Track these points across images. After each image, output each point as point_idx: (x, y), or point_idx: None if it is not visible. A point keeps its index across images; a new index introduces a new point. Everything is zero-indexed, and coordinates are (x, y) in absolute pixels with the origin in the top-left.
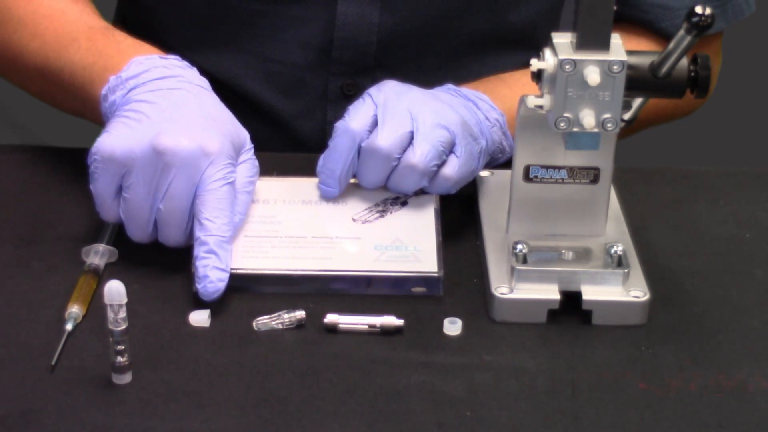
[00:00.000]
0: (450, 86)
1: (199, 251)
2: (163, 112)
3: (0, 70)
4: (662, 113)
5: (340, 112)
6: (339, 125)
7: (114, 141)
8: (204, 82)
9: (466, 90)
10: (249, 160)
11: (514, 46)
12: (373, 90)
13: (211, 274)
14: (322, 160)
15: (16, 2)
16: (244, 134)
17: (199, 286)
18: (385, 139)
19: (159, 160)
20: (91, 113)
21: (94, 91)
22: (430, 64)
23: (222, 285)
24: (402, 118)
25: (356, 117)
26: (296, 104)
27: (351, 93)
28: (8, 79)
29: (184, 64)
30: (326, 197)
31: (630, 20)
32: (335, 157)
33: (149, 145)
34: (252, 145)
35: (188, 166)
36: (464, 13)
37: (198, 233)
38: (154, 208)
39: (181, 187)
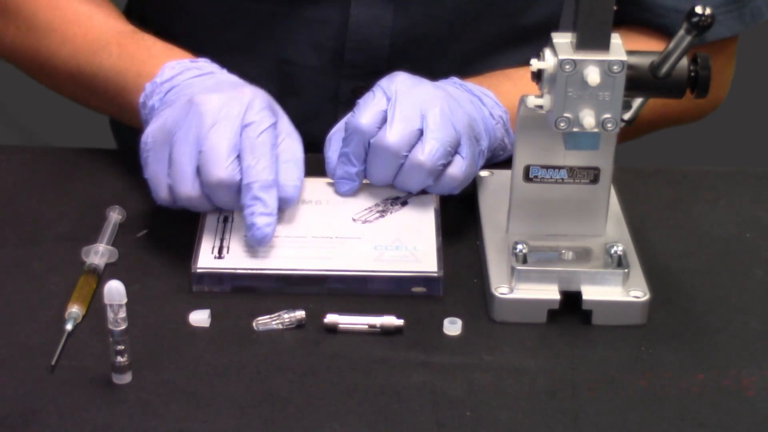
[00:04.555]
0: (455, 80)
1: (245, 199)
2: (198, 87)
3: (31, 74)
4: (668, 117)
5: None
6: (350, 122)
7: (158, 120)
8: (237, 78)
9: (471, 85)
10: (293, 132)
11: (524, 47)
12: (384, 82)
13: (258, 221)
14: (337, 161)
15: (41, 8)
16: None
17: (248, 234)
18: (394, 136)
19: (196, 111)
20: (130, 119)
21: (130, 97)
22: (441, 68)
23: (269, 230)
24: (412, 114)
25: (366, 113)
26: (307, 106)
27: (361, 96)
28: (40, 82)
29: (216, 66)
30: (345, 194)
31: (645, 24)
32: (351, 155)
33: (186, 103)
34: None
35: (224, 112)
36: (477, 17)
37: (242, 181)
38: (196, 154)
39: (221, 129)
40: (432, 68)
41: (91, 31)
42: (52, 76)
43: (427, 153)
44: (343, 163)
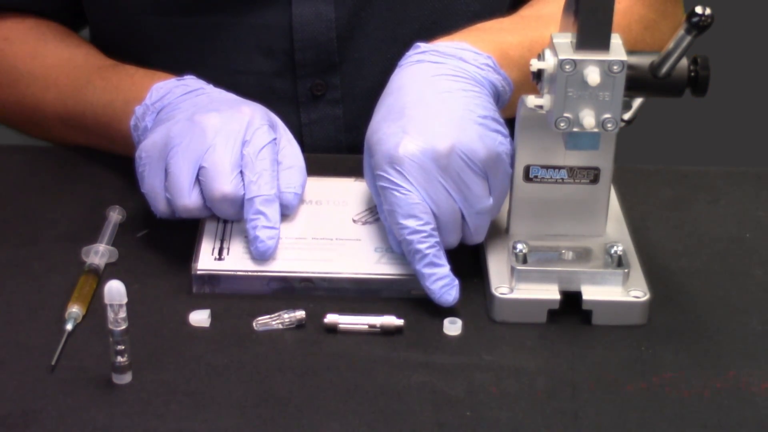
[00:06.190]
0: (419, 45)
1: (248, 213)
2: (194, 105)
3: (19, 127)
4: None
5: (312, 114)
6: (411, 239)
7: (154, 135)
8: (229, 95)
9: (443, 47)
10: (292, 140)
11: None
12: (397, 177)
13: (261, 234)
14: (423, 275)
15: (21, 59)
16: (277, 119)
17: (251, 248)
18: (455, 242)
19: (196, 129)
20: (123, 148)
21: (121, 125)
22: (393, 52)
23: (272, 242)
24: (448, 207)
25: (412, 217)
26: None
27: (320, 93)
28: (28, 134)
29: (203, 82)
30: (454, 301)
31: None
32: (432, 257)
33: (185, 120)
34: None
35: (224, 130)
36: None
37: (245, 196)
38: (193, 167)
39: (223, 147)
40: (385, 53)
41: (73, 71)
42: (41, 124)
43: (476, 237)
44: (430, 275)
